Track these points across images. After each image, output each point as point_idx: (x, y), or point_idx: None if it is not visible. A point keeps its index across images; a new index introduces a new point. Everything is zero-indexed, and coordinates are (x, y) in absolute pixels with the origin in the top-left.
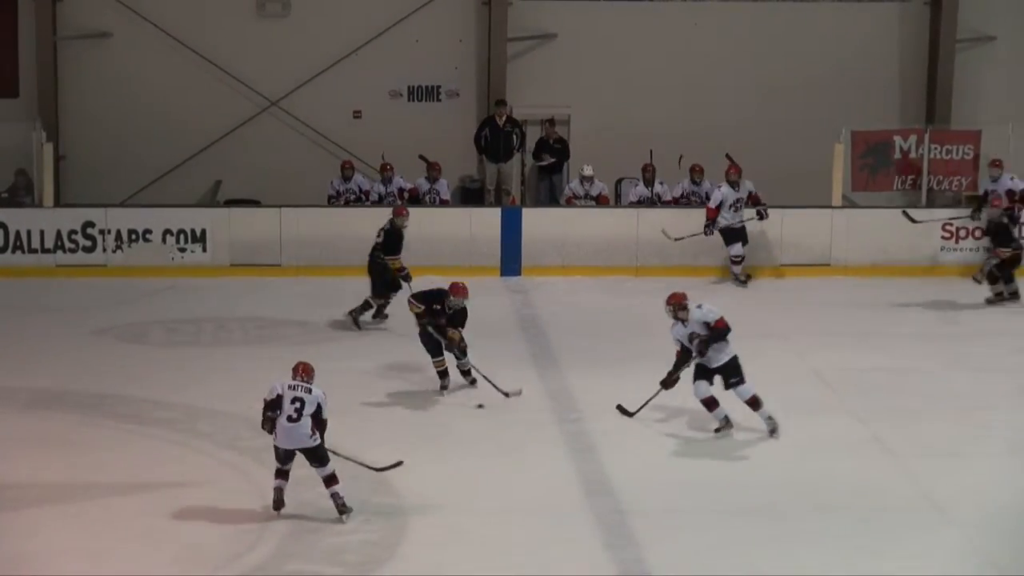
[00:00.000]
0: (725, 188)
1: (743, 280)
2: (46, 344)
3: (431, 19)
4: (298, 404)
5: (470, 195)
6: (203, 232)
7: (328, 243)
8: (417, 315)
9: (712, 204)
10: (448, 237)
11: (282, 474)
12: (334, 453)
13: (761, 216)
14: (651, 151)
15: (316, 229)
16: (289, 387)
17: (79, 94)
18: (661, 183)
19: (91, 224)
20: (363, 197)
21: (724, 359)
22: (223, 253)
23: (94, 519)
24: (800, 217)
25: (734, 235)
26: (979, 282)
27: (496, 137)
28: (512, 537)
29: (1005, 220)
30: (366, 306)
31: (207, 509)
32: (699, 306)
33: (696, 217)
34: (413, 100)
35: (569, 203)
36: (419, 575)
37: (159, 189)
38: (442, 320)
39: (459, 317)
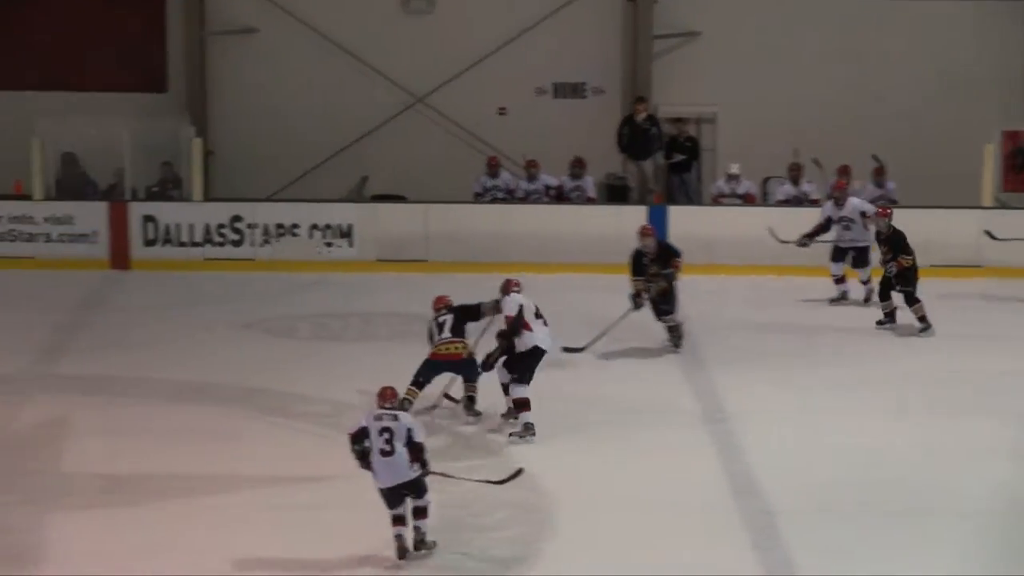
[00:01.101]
0: (830, 204)
1: (838, 297)
2: (193, 337)
3: (577, 16)
4: (387, 435)
5: (615, 192)
6: (350, 227)
7: (474, 239)
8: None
9: (820, 219)
10: (595, 235)
11: (399, 520)
12: (446, 475)
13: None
14: (796, 150)
15: (462, 225)
16: (375, 417)
17: (227, 89)
18: (809, 182)
19: (239, 218)
20: (509, 194)
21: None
22: (369, 248)
23: (235, 511)
24: (949, 217)
25: (838, 253)
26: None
27: (635, 135)
28: (658, 536)
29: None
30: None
31: (350, 503)
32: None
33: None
34: (559, 97)
35: (716, 202)
36: (563, 574)
37: (306, 184)
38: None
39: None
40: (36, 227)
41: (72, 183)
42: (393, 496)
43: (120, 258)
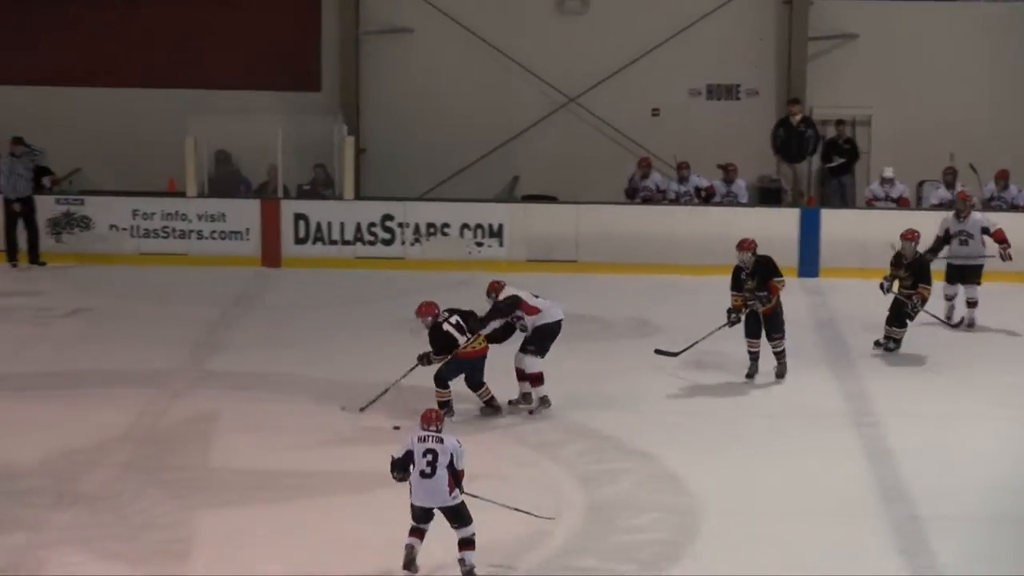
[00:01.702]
0: (950, 216)
1: (942, 319)
2: (343, 335)
3: (731, 18)
4: (430, 457)
5: (768, 195)
6: (500, 227)
7: (624, 240)
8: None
9: (939, 231)
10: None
11: (417, 532)
12: (485, 499)
13: (1003, 257)
14: (952, 154)
15: (613, 226)
16: (419, 439)
17: (380, 89)
18: (963, 186)
19: (390, 217)
20: (660, 195)
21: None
22: (520, 248)
23: (388, 509)
24: None
25: (955, 273)
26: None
27: (790, 137)
28: (804, 540)
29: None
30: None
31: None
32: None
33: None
34: (712, 98)
35: (869, 205)
36: (709, 575)
37: (457, 184)
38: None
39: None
40: (189, 224)
41: (225, 181)
42: (424, 514)
43: (271, 256)
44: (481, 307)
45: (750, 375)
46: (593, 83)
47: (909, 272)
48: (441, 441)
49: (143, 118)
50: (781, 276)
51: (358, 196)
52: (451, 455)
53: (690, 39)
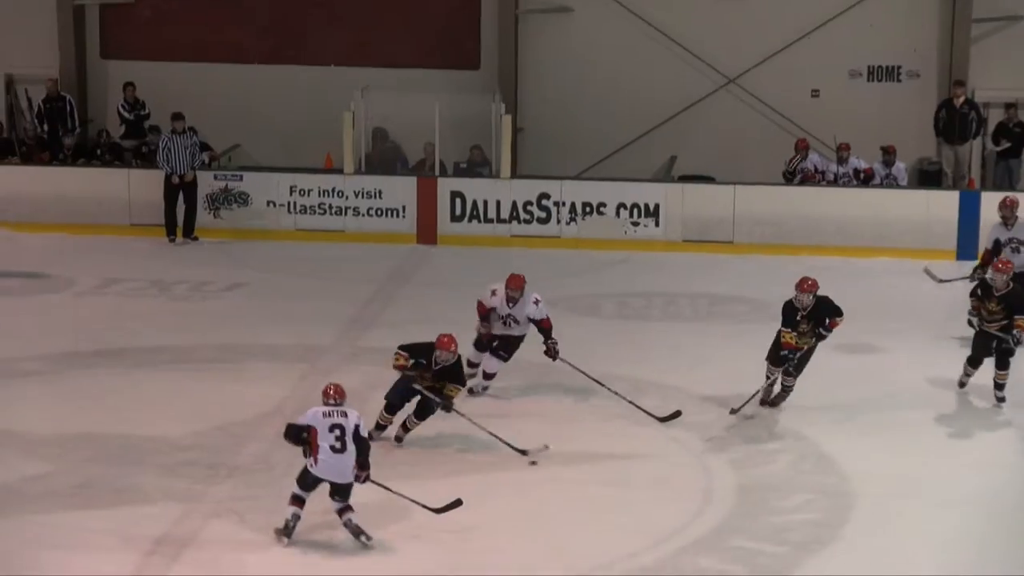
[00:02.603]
0: (996, 224)
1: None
2: None
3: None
4: (338, 432)
5: (928, 177)
6: (656, 207)
7: (781, 222)
8: (401, 368)
9: (988, 245)
10: (904, 219)
11: (300, 501)
12: (385, 488)
13: None
14: None
15: (770, 207)
16: (323, 414)
17: (538, 67)
18: None
19: (546, 196)
20: (818, 176)
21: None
22: (676, 228)
23: (541, 488)
24: None
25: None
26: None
27: (952, 119)
28: (954, 530)
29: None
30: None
31: (653, 481)
32: None
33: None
34: (872, 80)
35: None
36: (858, 558)
37: (614, 163)
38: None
39: (450, 374)
40: (346, 201)
41: (382, 158)
42: (315, 484)
43: (427, 233)
44: (640, 284)
45: (769, 401)
46: (753, 63)
47: (1002, 306)
48: (345, 415)
49: (302, 95)
50: (841, 313)
51: (514, 175)
52: (355, 425)
53: (851, 20)
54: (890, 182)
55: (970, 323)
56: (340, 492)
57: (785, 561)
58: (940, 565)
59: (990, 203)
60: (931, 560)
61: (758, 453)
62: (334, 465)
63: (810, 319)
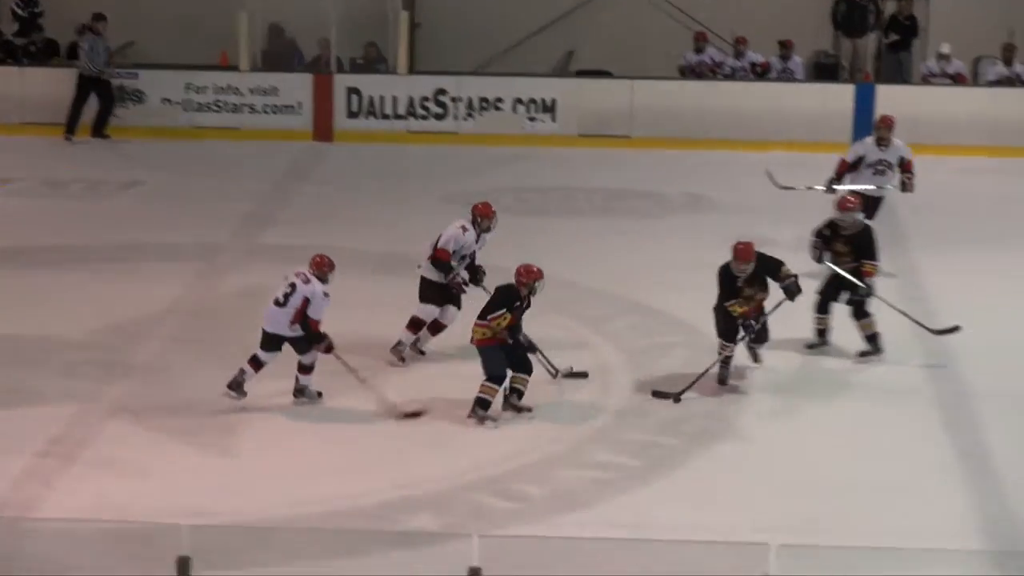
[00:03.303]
0: (869, 141)
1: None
2: (396, 209)
3: None
4: (289, 289)
5: (824, 70)
6: (553, 102)
7: (678, 115)
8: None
9: (848, 158)
10: (799, 112)
11: (257, 363)
12: (342, 361)
13: (904, 187)
14: (1011, 30)
15: (667, 101)
16: (295, 273)
17: None
18: (1023, 63)
19: (443, 92)
20: (715, 70)
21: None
22: (572, 123)
23: (435, 381)
24: None
25: (868, 205)
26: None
27: (851, 11)
28: (851, 419)
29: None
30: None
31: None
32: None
33: None
34: None
35: (925, 81)
36: (753, 449)
37: (511, 59)
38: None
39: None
40: (241, 98)
41: (278, 55)
42: (268, 342)
43: (323, 130)
44: (537, 180)
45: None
46: None
47: (850, 247)
48: (307, 282)
49: None
50: (782, 263)
51: (411, 70)
52: (305, 298)
53: None
54: (786, 76)
55: (819, 260)
56: (295, 346)
57: (678, 452)
58: (835, 454)
59: (885, 97)
60: (824, 452)
61: (654, 348)
62: (271, 315)
63: (753, 283)
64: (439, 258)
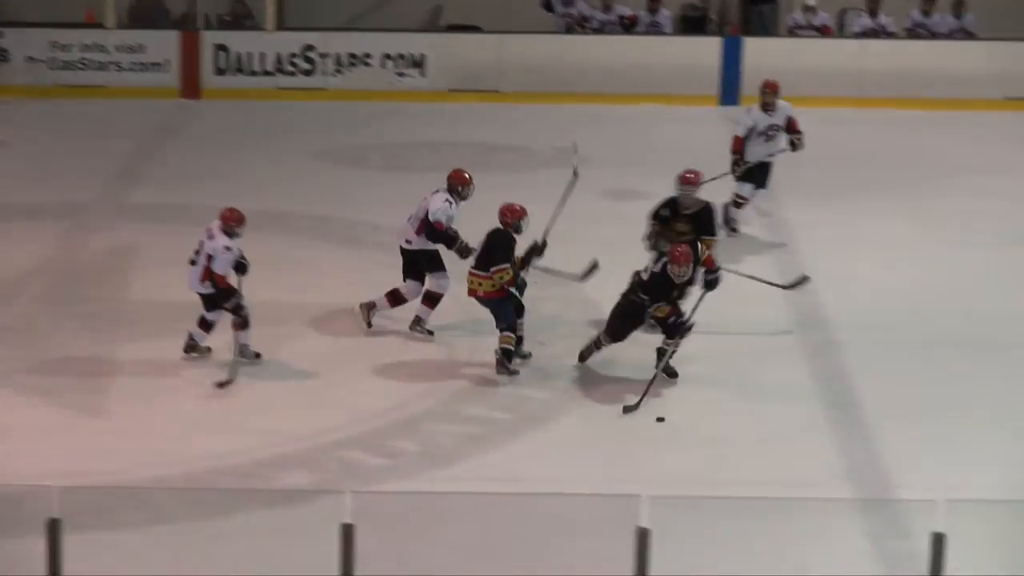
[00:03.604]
0: (756, 110)
1: (734, 229)
2: (265, 166)
3: None
4: (199, 246)
5: (692, 23)
6: (423, 57)
7: (547, 69)
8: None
9: (740, 132)
10: (667, 65)
11: (205, 324)
12: (235, 294)
13: (794, 147)
14: None
15: (537, 55)
16: (205, 229)
17: None
18: (888, 15)
19: (311, 48)
20: (583, 24)
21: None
22: (442, 78)
23: (301, 339)
24: None
25: (753, 173)
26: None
27: None
28: (715, 353)
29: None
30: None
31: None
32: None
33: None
34: None
35: (791, 34)
36: (626, 403)
37: (380, 14)
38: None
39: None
40: (107, 56)
41: (144, 11)
42: (203, 302)
43: (191, 87)
44: (407, 135)
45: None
46: None
47: (692, 225)
48: (211, 237)
49: None
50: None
51: (280, 27)
52: (209, 256)
53: None
54: (655, 29)
55: (655, 247)
56: (206, 301)
57: (551, 406)
58: (705, 408)
59: (752, 49)
60: (695, 407)
61: (524, 300)
62: (189, 274)
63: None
64: (441, 231)
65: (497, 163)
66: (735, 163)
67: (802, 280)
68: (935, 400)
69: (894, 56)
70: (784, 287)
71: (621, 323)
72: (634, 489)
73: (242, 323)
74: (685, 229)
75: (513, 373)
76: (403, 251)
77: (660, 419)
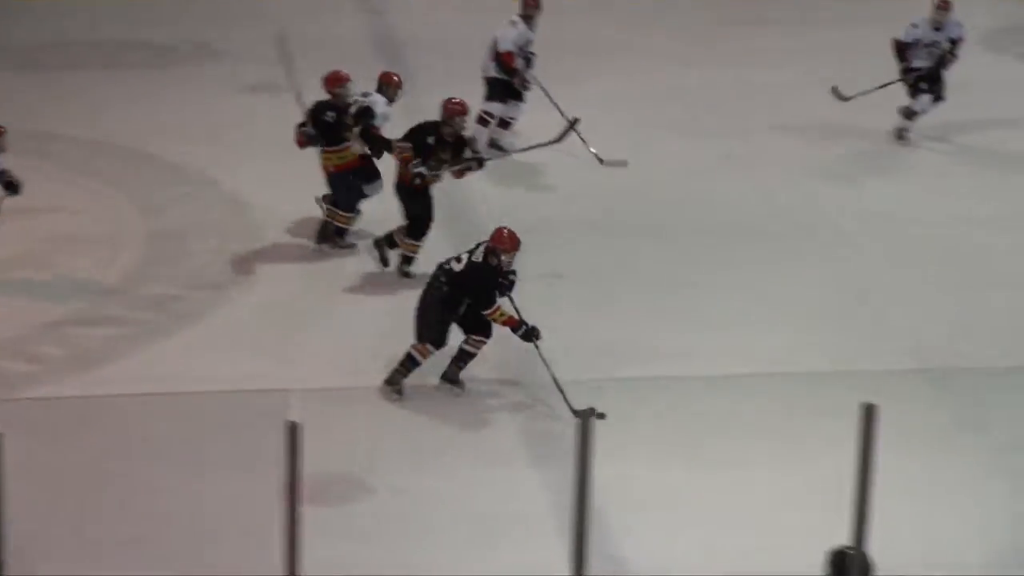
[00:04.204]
0: (925, 23)
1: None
2: None
3: None
4: None
5: None
6: None
7: None
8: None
9: (907, 38)
10: None
11: None
12: None
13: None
14: None
15: None
16: None
17: None
18: None
19: None
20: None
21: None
22: None
23: None
24: None
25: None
26: None
27: None
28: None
29: None
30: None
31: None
32: None
33: None
34: None
35: None
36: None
37: None
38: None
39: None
40: None
41: None
42: None
43: None
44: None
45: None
46: None
47: (452, 153)
48: None
49: None
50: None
51: None
52: None
53: None
54: None
55: (419, 176)
56: None
57: (205, 304)
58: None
59: None
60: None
61: (174, 200)
62: None
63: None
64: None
65: (129, 62)
66: (903, 71)
67: (572, 125)
68: None
69: None
70: (551, 142)
71: (437, 322)
72: (278, 384)
73: None
74: (447, 157)
75: (350, 247)
76: None
77: (600, 415)
